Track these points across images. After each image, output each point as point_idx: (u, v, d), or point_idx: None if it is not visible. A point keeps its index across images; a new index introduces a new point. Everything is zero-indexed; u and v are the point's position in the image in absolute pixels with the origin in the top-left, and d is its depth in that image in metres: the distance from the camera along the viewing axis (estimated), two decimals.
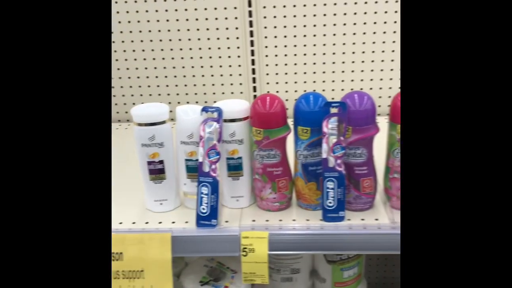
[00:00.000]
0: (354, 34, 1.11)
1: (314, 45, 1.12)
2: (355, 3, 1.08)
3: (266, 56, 1.14)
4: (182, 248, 0.73)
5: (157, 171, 0.77)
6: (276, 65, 1.15)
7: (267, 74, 1.16)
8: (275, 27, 1.11)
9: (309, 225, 0.74)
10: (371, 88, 1.16)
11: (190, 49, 1.14)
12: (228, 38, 1.13)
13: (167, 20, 1.12)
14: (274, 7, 1.09)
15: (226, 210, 0.80)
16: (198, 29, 1.12)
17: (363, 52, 1.13)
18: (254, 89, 1.18)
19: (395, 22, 1.10)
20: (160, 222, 0.77)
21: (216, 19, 1.11)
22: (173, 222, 0.77)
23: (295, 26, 1.11)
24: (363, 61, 1.14)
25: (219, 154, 0.73)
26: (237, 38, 1.13)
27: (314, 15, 1.10)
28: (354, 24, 1.10)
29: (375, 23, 1.10)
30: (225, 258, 0.93)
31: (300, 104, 0.73)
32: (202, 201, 0.73)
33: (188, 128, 0.75)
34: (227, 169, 0.78)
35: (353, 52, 1.13)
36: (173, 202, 0.80)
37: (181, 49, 1.15)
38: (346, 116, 0.71)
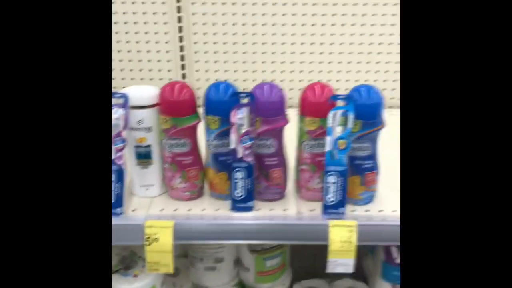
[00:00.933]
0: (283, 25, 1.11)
1: (244, 34, 1.12)
2: None
3: (195, 43, 1.13)
4: None
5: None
6: (206, 52, 1.14)
7: (197, 61, 1.14)
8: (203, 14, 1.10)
9: (217, 215, 0.74)
10: (282, 81, 1.17)
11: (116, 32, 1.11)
12: (155, 23, 1.10)
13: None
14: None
15: (135, 199, 0.78)
16: (124, 13, 1.09)
17: (292, 43, 1.14)
18: (183, 76, 1.16)
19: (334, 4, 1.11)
20: None
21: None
22: None
23: (224, 14, 1.10)
24: (281, 52, 1.14)
25: (125, 141, 0.71)
26: (165, 23, 1.10)
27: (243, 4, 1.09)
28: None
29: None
30: (138, 247, 0.92)
31: (210, 93, 0.72)
32: None
33: None
34: (136, 157, 0.76)
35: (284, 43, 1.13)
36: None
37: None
38: (255, 106, 0.70)
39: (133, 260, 0.88)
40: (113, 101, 0.72)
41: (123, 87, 1.14)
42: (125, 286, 0.83)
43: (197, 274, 1.11)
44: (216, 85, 0.72)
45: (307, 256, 1.40)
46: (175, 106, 0.71)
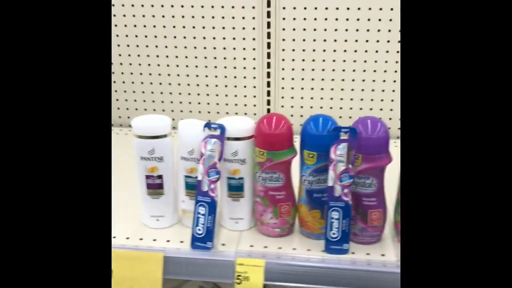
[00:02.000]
0: (377, 52, 1.06)
1: (334, 60, 1.08)
2: (379, 19, 1.03)
3: (283, 69, 1.10)
4: (174, 270, 0.70)
5: (155, 186, 0.74)
6: (292, 79, 1.11)
7: (283, 88, 1.12)
8: (293, 39, 1.07)
9: (310, 256, 0.70)
10: (384, 110, 1.10)
11: (205, 57, 1.11)
12: (244, 49, 1.09)
13: (174, 27, 1.09)
14: (294, 19, 1.05)
15: (224, 231, 0.76)
16: (214, 38, 1.09)
17: (385, 71, 1.08)
18: (268, 103, 1.14)
19: None
20: (154, 240, 0.74)
21: (234, 28, 1.08)
22: (168, 241, 0.73)
23: (314, 40, 1.07)
24: (384, 81, 1.08)
25: (219, 174, 0.69)
26: (254, 49, 1.09)
27: (336, 30, 1.05)
28: (377, 41, 1.05)
29: (388, 41, 1.05)
30: None
31: (308, 126, 0.68)
32: (199, 222, 0.70)
33: (190, 144, 0.71)
34: (228, 189, 0.74)
35: (374, 71, 1.08)
36: (170, 219, 0.77)
37: (195, 57, 1.12)
38: (356, 143, 0.66)
39: None
40: (209, 132, 0.70)
41: (208, 113, 1.16)
42: None
43: None
44: (315, 118, 0.69)
45: None
46: (272, 139, 0.68)
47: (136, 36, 1.12)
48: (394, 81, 1.08)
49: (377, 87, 1.09)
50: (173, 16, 1.09)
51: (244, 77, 1.12)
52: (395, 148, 0.72)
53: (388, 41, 1.05)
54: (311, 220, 0.72)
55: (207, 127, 0.70)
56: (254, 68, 1.11)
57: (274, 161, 0.69)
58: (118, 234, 0.75)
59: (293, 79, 1.10)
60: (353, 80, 1.09)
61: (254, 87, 1.12)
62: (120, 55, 1.14)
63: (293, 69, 1.10)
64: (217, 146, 0.69)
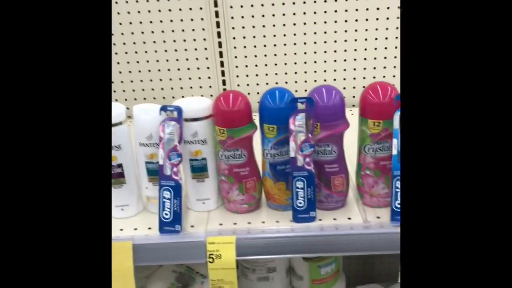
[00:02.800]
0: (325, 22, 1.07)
1: (284, 35, 1.08)
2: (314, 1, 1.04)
3: (235, 47, 1.10)
4: (145, 257, 0.69)
5: (116, 175, 0.72)
6: (246, 56, 1.10)
7: (237, 66, 1.11)
8: (242, 16, 1.06)
9: (279, 227, 0.71)
10: (337, 80, 1.12)
11: (154, 42, 1.09)
12: (193, 30, 1.08)
13: (128, 12, 1.06)
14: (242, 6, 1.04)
15: (192, 213, 0.76)
16: (161, 21, 1.07)
17: (335, 41, 1.09)
18: (224, 82, 1.13)
19: (366, 9, 1.06)
20: (121, 229, 0.73)
21: (180, 10, 1.06)
22: (135, 229, 0.73)
23: (263, 16, 1.06)
24: (335, 51, 1.10)
25: (180, 156, 0.68)
26: (203, 29, 1.08)
27: (283, 4, 1.05)
28: (325, 12, 1.06)
29: (336, 11, 1.06)
30: (194, 263, 0.89)
31: (265, 100, 0.69)
32: (165, 206, 0.69)
33: (147, 129, 0.70)
34: (191, 171, 0.73)
35: (325, 42, 1.09)
36: (135, 207, 0.76)
37: (144, 42, 1.09)
38: (314, 112, 0.67)
39: (191, 276, 0.85)
40: (166, 114, 0.69)
41: (163, 98, 1.14)
42: None
43: (250, 285, 1.09)
44: (271, 92, 0.69)
45: (359, 261, 1.36)
46: (232, 116, 0.68)
47: None
48: (345, 50, 1.10)
49: (328, 58, 1.10)
50: None
51: (196, 59, 1.10)
52: (351, 116, 0.73)
53: (336, 11, 1.06)
54: (277, 193, 0.73)
55: (164, 110, 0.69)
56: (205, 48, 1.09)
57: (235, 138, 0.69)
58: None
59: (246, 56, 1.10)
60: (305, 53, 1.10)
61: (208, 68, 1.11)
62: None
63: (245, 47, 1.09)
64: (176, 128, 0.68)
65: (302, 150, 0.68)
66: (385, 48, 1.09)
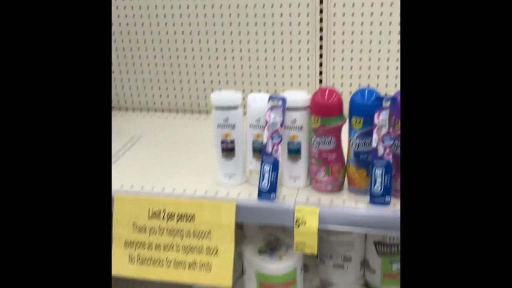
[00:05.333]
0: None
1: (379, 42, 1.19)
2: None
3: (334, 51, 1.23)
4: (244, 216, 0.86)
5: (228, 149, 0.90)
6: (342, 59, 1.23)
7: (333, 67, 1.25)
8: (343, 23, 1.19)
9: (357, 206, 0.83)
10: None
11: (265, 42, 1.26)
12: (299, 33, 1.23)
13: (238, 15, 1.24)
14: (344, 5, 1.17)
15: (284, 189, 0.91)
16: (268, 23, 1.24)
17: None
18: (320, 81, 1.27)
19: None
20: (228, 193, 0.90)
21: (290, 15, 1.22)
22: (239, 194, 0.90)
23: (362, 24, 1.18)
24: None
25: (280, 137, 0.84)
26: (308, 33, 1.22)
27: (381, 13, 1.16)
28: None
29: None
30: (281, 234, 1.04)
31: (355, 97, 0.82)
32: (264, 177, 0.85)
33: (257, 113, 0.86)
34: (288, 152, 0.88)
35: None
36: (240, 178, 0.93)
37: (256, 41, 1.27)
38: (396, 110, 0.78)
39: (278, 244, 1.01)
40: (272, 103, 0.85)
41: (266, 91, 1.30)
42: (272, 266, 0.96)
43: (326, 270, 1.17)
44: (361, 91, 0.82)
45: None
46: (325, 108, 0.82)
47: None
48: None
49: None
50: None
51: (299, 58, 1.25)
52: None
53: None
54: (358, 178, 0.86)
55: (271, 99, 0.85)
56: (308, 47, 1.24)
57: (327, 127, 0.83)
58: (199, 189, 0.92)
59: (343, 59, 1.23)
60: (397, 60, 1.19)
61: (308, 67, 1.26)
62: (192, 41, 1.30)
63: (342, 51, 1.22)
64: (279, 114, 0.84)
65: (383, 142, 0.79)
66: None
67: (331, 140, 0.84)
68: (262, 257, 0.97)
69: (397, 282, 1.15)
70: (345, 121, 0.84)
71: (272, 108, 0.84)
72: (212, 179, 0.95)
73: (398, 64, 1.20)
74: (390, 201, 0.82)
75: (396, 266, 1.13)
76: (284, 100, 0.84)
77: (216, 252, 0.87)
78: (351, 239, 1.14)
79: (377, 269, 1.15)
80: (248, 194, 0.89)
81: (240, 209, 0.86)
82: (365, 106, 0.80)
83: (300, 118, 0.85)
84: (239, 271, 1.07)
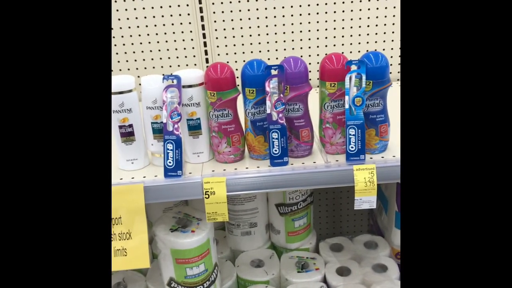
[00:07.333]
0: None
1: (258, 17, 1.26)
2: None
3: (216, 30, 1.27)
4: (153, 196, 0.87)
5: (127, 134, 0.89)
6: (225, 37, 1.28)
7: (218, 46, 1.29)
8: (222, 12, 1.24)
9: (260, 170, 0.90)
10: (303, 48, 1.31)
11: (147, 30, 1.25)
12: (181, 23, 1.24)
13: (135, 9, 1.22)
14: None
15: (189, 165, 0.94)
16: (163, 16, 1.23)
17: (317, 13, 1.28)
18: (207, 60, 1.31)
19: None
20: (132, 178, 0.90)
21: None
22: (144, 177, 0.90)
23: (239, 1, 1.24)
24: (309, 22, 1.28)
25: (180, 115, 0.86)
26: (190, 23, 1.24)
27: None
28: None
29: None
30: (190, 210, 1.07)
31: (246, 69, 0.87)
32: (168, 156, 0.86)
33: (152, 95, 0.87)
34: (188, 129, 0.91)
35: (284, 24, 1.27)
36: (143, 161, 0.93)
37: (137, 25, 1.25)
38: (284, 77, 0.85)
39: (188, 220, 1.03)
40: (167, 82, 0.86)
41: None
42: (186, 240, 0.98)
43: (235, 240, 1.25)
44: (250, 63, 0.87)
45: (327, 218, 1.57)
46: (220, 82, 0.86)
47: None
48: (317, 22, 1.29)
49: (295, 29, 1.29)
50: None
51: (183, 40, 1.27)
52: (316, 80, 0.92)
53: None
54: (257, 145, 0.92)
55: (165, 79, 0.86)
56: (190, 29, 1.26)
57: (223, 99, 0.87)
58: None
59: (225, 29, 1.28)
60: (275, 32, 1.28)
61: (192, 39, 1.28)
62: None
63: (224, 21, 1.27)
64: (176, 93, 0.86)
65: (276, 107, 0.86)
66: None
67: (228, 112, 0.89)
68: (175, 234, 1.00)
69: (300, 238, 1.27)
70: (240, 93, 0.89)
71: (167, 88, 0.86)
72: (114, 166, 0.93)
73: (275, 36, 1.29)
74: (288, 160, 0.90)
75: (298, 223, 1.25)
76: (179, 79, 0.86)
77: (130, 236, 0.86)
78: (255, 205, 1.22)
79: (281, 229, 1.25)
80: (153, 176, 0.90)
81: (148, 190, 0.86)
82: (255, 76, 0.86)
83: (196, 94, 0.88)
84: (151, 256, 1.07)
